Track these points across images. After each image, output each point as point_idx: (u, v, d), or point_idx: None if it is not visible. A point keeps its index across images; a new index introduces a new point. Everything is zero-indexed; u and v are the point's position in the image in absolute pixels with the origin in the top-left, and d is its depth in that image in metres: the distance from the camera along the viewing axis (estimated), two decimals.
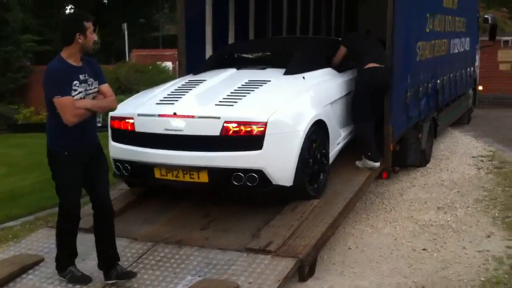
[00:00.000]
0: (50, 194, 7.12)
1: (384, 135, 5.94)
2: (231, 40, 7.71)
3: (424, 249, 4.78)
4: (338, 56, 6.09)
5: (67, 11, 27.20)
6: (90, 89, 3.92)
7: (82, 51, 3.85)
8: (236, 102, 4.80)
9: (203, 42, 7.29)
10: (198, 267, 4.15)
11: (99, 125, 4.90)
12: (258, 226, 4.73)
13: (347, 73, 6.09)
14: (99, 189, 4.07)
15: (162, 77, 14.85)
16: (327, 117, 5.21)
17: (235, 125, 4.57)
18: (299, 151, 4.70)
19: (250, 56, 6.34)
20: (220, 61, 6.24)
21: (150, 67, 15.00)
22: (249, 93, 4.97)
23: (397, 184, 6.82)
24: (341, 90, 5.76)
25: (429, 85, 7.36)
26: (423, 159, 7.47)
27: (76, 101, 3.77)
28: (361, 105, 5.78)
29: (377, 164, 5.75)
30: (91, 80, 3.91)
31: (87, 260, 4.37)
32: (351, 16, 10.66)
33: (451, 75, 8.66)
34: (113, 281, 4.01)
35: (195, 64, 6.83)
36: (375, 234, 5.18)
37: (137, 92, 13.55)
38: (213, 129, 4.62)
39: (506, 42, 14.94)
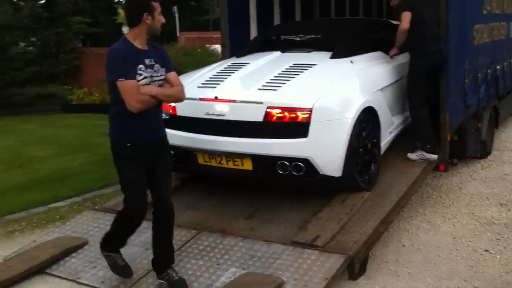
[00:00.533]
0: (98, 175, 7.15)
1: (440, 124, 5.55)
2: (276, 21, 7.43)
3: (486, 250, 4.42)
4: (404, 22, 5.27)
5: None
6: (157, 76, 3.61)
7: (149, 33, 3.58)
8: (279, 86, 4.56)
9: (247, 24, 7.05)
10: (242, 259, 3.97)
11: (166, 117, 4.59)
12: (305, 218, 4.50)
13: (399, 57, 5.71)
14: (163, 191, 3.79)
15: (210, 60, 14.70)
16: (377, 104, 4.89)
17: (279, 111, 4.33)
18: (347, 140, 4.42)
19: (295, 38, 6.06)
20: (265, 44, 5.99)
21: (199, 50, 14.89)
22: (293, 77, 4.71)
23: (456, 177, 6.41)
24: (393, 75, 5.40)
25: (489, 71, 6.88)
26: (483, 151, 7.02)
27: (141, 86, 3.49)
28: (420, 90, 5.39)
29: (435, 157, 5.38)
30: (157, 66, 3.60)
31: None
32: None
33: (508, 61, 8.10)
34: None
35: (239, 46, 6.63)
36: (432, 231, 4.84)
37: None
38: (256, 115, 4.40)
39: None
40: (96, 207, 5.18)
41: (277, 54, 5.44)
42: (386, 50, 5.55)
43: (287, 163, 4.35)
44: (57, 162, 7.94)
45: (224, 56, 6.53)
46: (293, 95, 4.40)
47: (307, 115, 4.24)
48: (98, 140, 9.24)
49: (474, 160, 6.92)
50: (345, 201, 4.56)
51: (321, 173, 4.38)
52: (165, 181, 3.80)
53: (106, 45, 17.86)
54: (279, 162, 4.36)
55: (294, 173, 4.36)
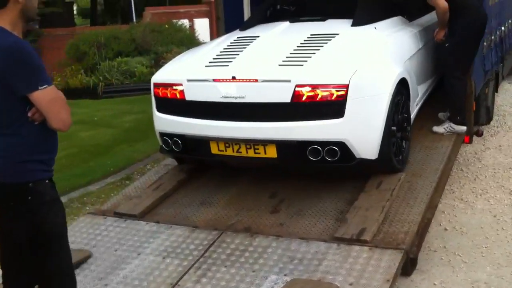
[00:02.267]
0: (80, 170, 6.48)
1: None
2: None
3: None
4: (442, 1, 4.71)
5: None
6: None
7: (25, 18, 2.54)
8: (305, 61, 4.00)
9: None
10: (280, 262, 3.44)
11: None
12: (339, 207, 4.00)
13: (419, 21, 5.22)
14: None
15: (179, 36, 13.96)
16: (408, 74, 4.41)
17: (309, 89, 3.77)
18: (385, 118, 3.94)
19: (303, 6, 5.47)
20: (270, 13, 5.40)
21: (166, 26, 14.05)
22: (318, 49, 4.15)
23: (468, 146, 6.02)
24: (417, 42, 4.91)
25: (497, 33, 6.49)
26: (487, 117, 6.67)
27: None
28: (469, 55, 4.92)
29: (464, 128, 4.96)
30: None
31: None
32: None
33: (508, 21, 7.75)
34: None
35: (232, 18, 6.03)
36: (469, 210, 4.45)
37: (156, 53, 12.93)
38: (283, 95, 3.84)
39: None
40: (93, 211, 4.54)
41: (285, 24, 4.86)
42: (405, 14, 5.04)
43: (320, 148, 3.82)
44: None
45: (218, 31, 5.90)
46: (324, 70, 3.86)
47: (343, 92, 3.70)
48: (69, 130, 8.46)
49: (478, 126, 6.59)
50: (381, 186, 4.08)
51: (357, 156, 3.88)
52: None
53: (62, 25, 16.71)
54: (310, 147, 3.83)
55: (328, 158, 3.84)
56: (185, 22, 14.92)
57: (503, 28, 6.89)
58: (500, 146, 6.09)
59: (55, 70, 13.39)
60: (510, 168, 5.36)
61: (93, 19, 27.17)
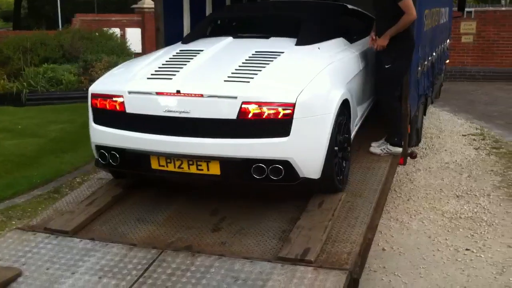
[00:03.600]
0: (5, 181, 6.07)
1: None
2: (209, 5, 6.73)
3: (467, 249, 4.22)
4: (413, 11, 4.71)
5: None
6: None
7: None
8: (251, 78, 3.96)
9: (180, 5, 6.30)
10: (223, 283, 3.34)
11: None
12: (282, 226, 3.97)
13: (359, 43, 5.34)
14: None
15: (110, 45, 13.59)
16: (350, 95, 4.48)
17: (256, 106, 3.74)
18: (329, 138, 3.96)
19: (248, 22, 5.46)
20: (212, 28, 5.34)
21: (97, 34, 13.66)
22: (264, 67, 4.13)
23: (400, 167, 6.19)
24: (358, 64, 5.01)
25: (429, 58, 6.76)
26: (417, 139, 6.92)
27: None
28: (403, 77, 5.02)
29: (400, 149, 5.09)
30: None
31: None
32: None
33: (438, 48, 8.13)
34: None
35: (172, 31, 5.92)
36: (405, 230, 4.56)
37: (85, 61, 12.50)
38: (229, 112, 3.78)
39: (469, 13, 14.64)
40: (21, 226, 4.26)
41: (229, 40, 4.81)
42: (346, 36, 5.13)
43: (264, 166, 3.78)
44: None
45: (158, 43, 5.76)
46: (271, 88, 3.83)
47: (290, 111, 3.69)
48: None
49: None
50: (323, 205, 4.09)
51: (301, 175, 3.87)
52: None
53: None
54: (254, 165, 3.79)
55: (272, 176, 3.81)
56: (117, 30, 14.58)
57: (434, 53, 7.18)
58: (430, 168, 6.32)
59: None
60: (440, 189, 5.56)
61: (16, 23, 26.02)
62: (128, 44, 14.44)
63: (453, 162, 6.49)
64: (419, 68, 5.73)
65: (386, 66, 4.93)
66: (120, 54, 13.23)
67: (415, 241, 4.33)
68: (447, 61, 12.31)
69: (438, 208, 5.04)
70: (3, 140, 7.78)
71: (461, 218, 4.82)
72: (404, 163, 5.40)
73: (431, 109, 9.88)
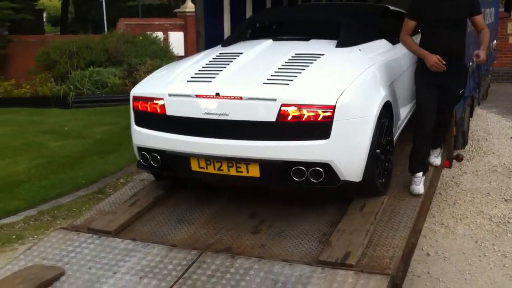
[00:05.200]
0: (50, 181, 6.25)
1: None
2: (249, 8, 6.72)
3: None
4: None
5: None
6: None
7: None
8: (291, 80, 3.93)
9: (220, 9, 6.33)
10: (263, 285, 3.32)
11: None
12: (322, 229, 3.92)
13: (399, 46, 5.21)
14: None
15: (153, 48, 13.83)
16: (392, 97, 4.39)
17: (295, 109, 3.71)
18: (370, 140, 3.89)
19: (287, 25, 5.43)
20: (252, 31, 5.34)
21: (140, 38, 13.89)
22: (303, 69, 4.09)
23: (445, 170, 6.05)
24: (401, 66, 4.91)
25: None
26: (463, 141, 6.74)
27: None
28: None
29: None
30: None
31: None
32: None
33: None
34: None
35: (212, 34, 5.94)
36: (450, 235, 4.44)
37: (129, 64, 12.73)
38: (268, 114, 3.76)
39: None
40: (66, 226, 4.35)
41: (269, 42, 4.80)
42: (388, 38, 5.04)
43: (304, 169, 3.75)
44: None
45: (198, 46, 5.80)
46: (310, 90, 3.79)
47: (330, 114, 3.65)
48: (38, 140, 8.27)
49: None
50: (364, 209, 4.02)
51: (342, 178, 3.81)
52: None
53: (33, 32, 16.39)
54: (294, 168, 3.76)
55: (312, 179, 3.77)
56: (160, 34, 14.80)
57: None
58: (477, 171, 6.14)
59: (23, 78, 13.09)
60: (488, 193, 5.39)
61: (63, 28, 26.76)
62: (171, 47, 14.64)
63: (501, 165, 6.28)
64: None
65: (461, 92, 4.62)
66: (163, 57, 13.43)
67: (461, 246, 4.20)
68: (494, 62, 12.00)
69: (485, 212, 4.88)
70: (50, 142, 8.00)
71: (509, 222, 4.67)
72: (450, 166, 5.27)
73: (478, 111, 9.62)
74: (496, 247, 4.21)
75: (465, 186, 5.60)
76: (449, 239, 4.35)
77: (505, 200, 5.17)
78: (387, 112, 4.25)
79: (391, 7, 5.64)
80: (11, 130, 9.28)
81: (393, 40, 5.16)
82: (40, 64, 12.91)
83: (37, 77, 12.69)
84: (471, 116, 7.54)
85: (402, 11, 5.90)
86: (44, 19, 33.15)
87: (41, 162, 7.01)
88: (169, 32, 15.51)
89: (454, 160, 5.36)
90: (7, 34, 14.83)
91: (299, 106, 3.68)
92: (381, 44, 4.94)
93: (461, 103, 5.57)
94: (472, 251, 4.13)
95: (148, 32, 14.54)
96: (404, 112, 5.01)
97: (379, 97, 4.06)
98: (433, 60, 4.16)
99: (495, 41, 9.88)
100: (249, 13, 6.64)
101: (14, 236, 4.67)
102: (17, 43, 14.64)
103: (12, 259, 4.04)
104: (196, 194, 4.56)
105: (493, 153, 6.84)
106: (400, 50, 5.06)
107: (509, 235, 4.43)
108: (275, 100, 3.73)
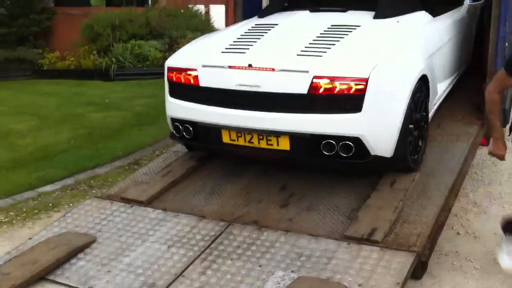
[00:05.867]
0: (88, 152, 6.38)
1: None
2: None
3: None
4: None
5: None
6: None
7: None
8: (324, 52, 3.88)
9: None
10: (287, 258, 3.35)
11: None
12: (350, 204, 3.90)
13: (443, 18, 5.07)
14: None
15: (194, 22, 13.80)
16: (430, 71, 4.28)
17: (327, 81, 3.66)
18: (404, 115, 3.82)
19: None
20: (290, 2, 5.27)
21: (182, 11, 13.91)
22: (338, 40, 4.03)
23: (480, 149, 5.87)
24: (440, 39, 4.77)
25: None
26: (504, 119, 6.51)
27: None
28: None
29: None
30: None
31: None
32: None
33: None
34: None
35: (250, 5, 5.91)
36: (483, 215, 4.32)
37: (170, 38, 12.79)
38: (299, 86, 3.73)
39: None
40: (100, 195, 4.47)
41: (305, 13, 4.74)
42: (428, 9, 4.89)
43: (334, 143, 3.71)
44: (39, 137, 7.08)
45: (236, 17, 5.78)
46: (343, 62, 3.74)
47: (362, 86, 3.59)
48: (80, 111, 8.43)
49: None
50: (394, 185, 3.97)
51: (372, 153, 3.77)
52: None
53: (78, 4, 16.58)
54: (324, 142, 3.73)
55: (342, 153, 3.74)
56: (201, 7, 14.75)
57: None
58: None
59: (68, 50, 13.33)
60: None
61: (109, 0, 27.04)
62: (212, 20, 14.60)
63: None
64: (506, 44, 5.35)
65: None
66: (204, 30, 13.39)
67: (493, 226, 4.09)
68: None
69: None
70: (91, 113, 8.16)
71: None
72: (487, 144, 5.10)
73: None
74: None
75: (502, 165, 5.41)
76: (482, 219, 4.24)
77: None
78: (423, 86, 4.15)
79: None
80: (55, 101, 9.51)
81: (434, 12, 5.01)
82: (84, 36, 13.11)
83: (80, 49, 12.91)
84: None
85: None
86: None
87: (81, 133, 7.16)
88: (210, 5, 15.43)
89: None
90: (53, 5, 15.06)
91: (331, 79, 3.64)
92: (421, 16, 4.80)
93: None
94: None
95: (190, 6, 14.51)
96: (442, 87, 4.89)
97: (415, 70, 3.97)
98: (496, 152, 3.45)
99: None
100: None
101: (50, 204, 4.81)
102: (61, 15, 14.87)
103: (46, 223, 4.19)
104: (228, 166, 4.60)
105: None
106: (440, 23, 4.91)
107: None
108: (307, 72, 3.69)
